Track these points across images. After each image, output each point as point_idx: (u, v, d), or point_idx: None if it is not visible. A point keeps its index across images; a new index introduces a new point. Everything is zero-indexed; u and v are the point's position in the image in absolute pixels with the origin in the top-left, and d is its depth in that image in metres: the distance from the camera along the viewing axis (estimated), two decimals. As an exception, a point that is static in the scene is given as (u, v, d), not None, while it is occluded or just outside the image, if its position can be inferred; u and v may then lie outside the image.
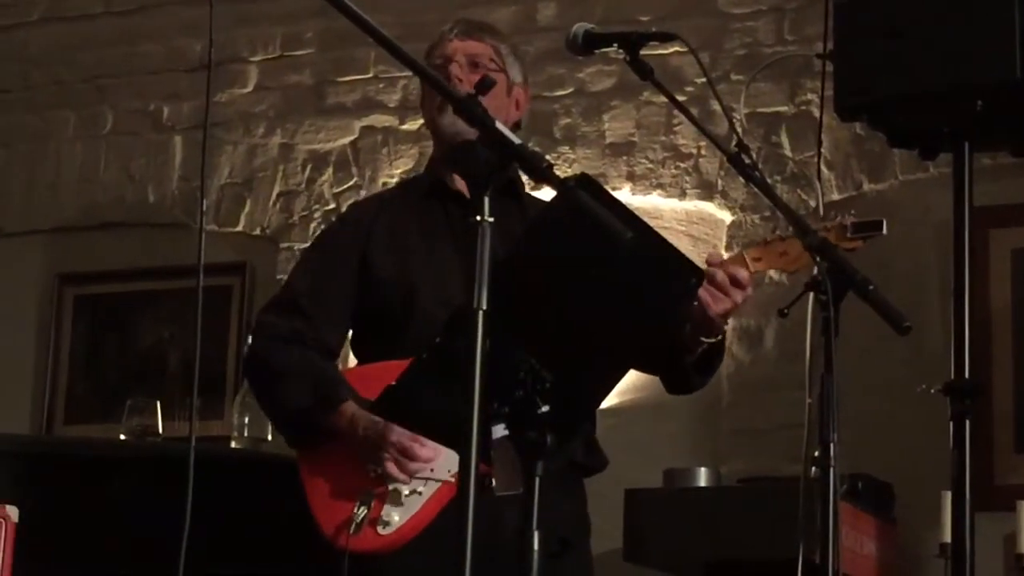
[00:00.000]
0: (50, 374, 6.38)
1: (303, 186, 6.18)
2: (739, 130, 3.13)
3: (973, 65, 3.33)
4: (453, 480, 3.02)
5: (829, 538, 2.73)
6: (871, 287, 2.76)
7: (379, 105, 6.13)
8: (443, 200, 3.31)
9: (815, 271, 2.79)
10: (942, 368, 3.44)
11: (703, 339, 3.10)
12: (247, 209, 6.25)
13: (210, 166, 6.17)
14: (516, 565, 2.21)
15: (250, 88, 6.33)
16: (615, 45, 2.96)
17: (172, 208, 6.34)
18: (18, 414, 6.28)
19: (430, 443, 3.01)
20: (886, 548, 4.78)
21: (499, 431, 2.28)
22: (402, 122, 6.04)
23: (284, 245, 6.09)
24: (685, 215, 5.63)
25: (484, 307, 2.07)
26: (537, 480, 2.25)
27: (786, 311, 2.86)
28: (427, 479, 3.08)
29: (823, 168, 5.33)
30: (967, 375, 3.40)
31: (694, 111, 3.40)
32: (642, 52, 2.93)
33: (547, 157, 2.16)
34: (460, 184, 3.25)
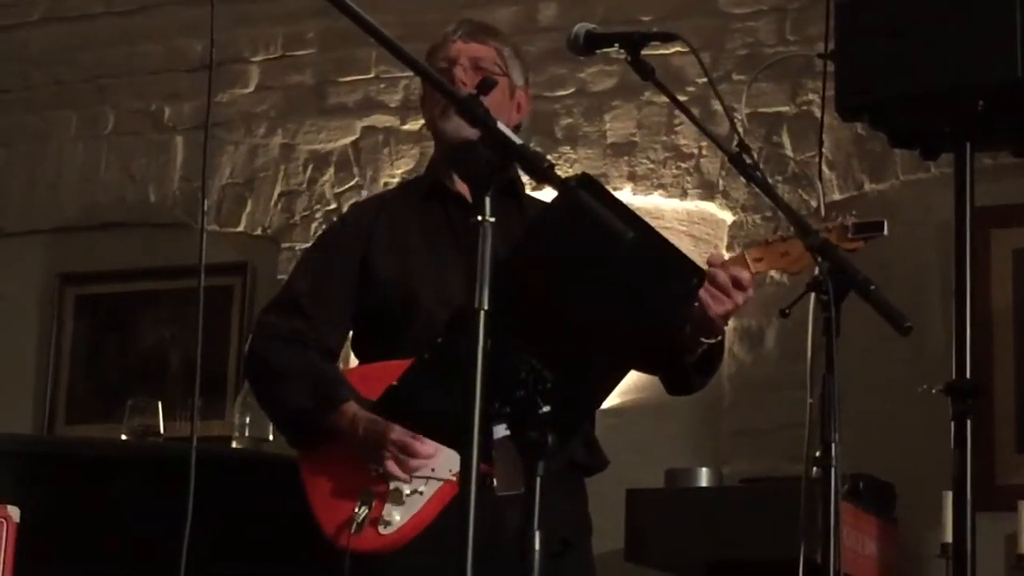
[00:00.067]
0: (51, 374, 6.38)
1: (304, 186, 6.18)
2: (740, 130, 3.13)
3: (974, 65, 3.33)
4: (454, 479, 3.02)
5: (830, 538, 2.73)
6: (872, 287, 2.76)
7: (380, 105, 6.13)
8: (444, 201, 3.31)
9: (816, 271, 2.79)
10: (943, 368, 3.44)
11: (703, 339, 3.10)
12: (248, 209, 6.25)
13: (211, 166, 6.17)
14: (517, 565, 2.21)
15: (251, 88, 6.34)
16: (616, 45, 2.96)
17: (173, 208, 6.34)
18: (20, 414, 6.28)
19: (431, 441, 3.01)
20: (887, 548, 4.78)
21: (500, 431, 2.28)
22: (403, 122, 6.04)
23: (285, 245, 6.09)
24: (686, 215, 5.63)
25: (485, 307, 2.07)
26: (538, 480, 2.25)
27: (787, 311, 2.86)
28: (428, 478, 3.08)
29: (824, 168, 5.33)
30: (968, 375, 3.40)
31: (695, 111, 3.40)
32: (643, 52, 2.93)
33: (548, 157, 2.16)
34: (461, 185, 3.25)
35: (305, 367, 3.22)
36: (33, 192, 6.57)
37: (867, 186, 5.43)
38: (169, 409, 4.49)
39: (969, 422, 3.35)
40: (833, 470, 2.73)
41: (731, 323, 5.20)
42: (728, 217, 5.56)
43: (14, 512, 3.09)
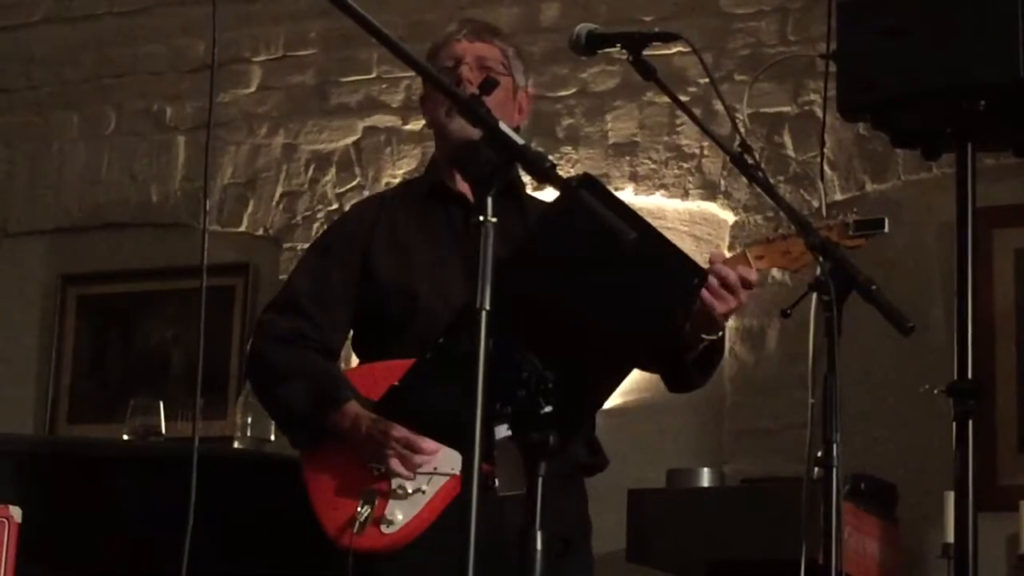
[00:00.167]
0: (53, 374, 6.38)
1: (306, 186, 6.19)
2: (742, 130, 3.13)
3: (976, 65, 3.33)
4: (458, 475, 3.02)
5: (832, 538, 2.73)
6: (874, 287, 2.76)
7: (382, 105, 6.14)
8: (445, 201, 3.31)
9: (818, 271, 2.79)
10: (945, 368, 3.43)
11: (704, 336, 3.11)
12: (250, 209, 6.25)
13: (213, 166, 6.17)
14: (518, 565, 2.21)
15: (253, 88, 6.34)
16: (618, 45, 2.96)
17: (175, 208, 6.35)
18: (22, 414, 6.28)
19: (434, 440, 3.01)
20: (889, 548, 4.78)
21: (502, 431, 2.28)
22: (405, 122, 6.05)
23: (287, 245, 6.09)
24: (688, 215, 5.63)
25: (487, 307, 2.07)
26: (540, 480, 2.25)
27: (789, 311, 2.86)
28: (431, 475, 3.08)
29: (826, 168, 5.33)
30: (970, 375, 3.39)
31: (697, 111, 3.40)
32: (645, 52, 2.93)
33: (550, 157, 2.16)
34: (462, 185, 3.26)
35: (306, 367, 3.22)
36: (35, 192, 6.58)
37: (869, 186, 5.43)
38: (171, 409, 4.49)
39: (971, 422, 3.35)
40: (835, 470, 2.73)
41: (733, 323, 5.23)
42: (730, 217, 5.57)
43: (16, 512, 3.09)
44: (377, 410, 2.63)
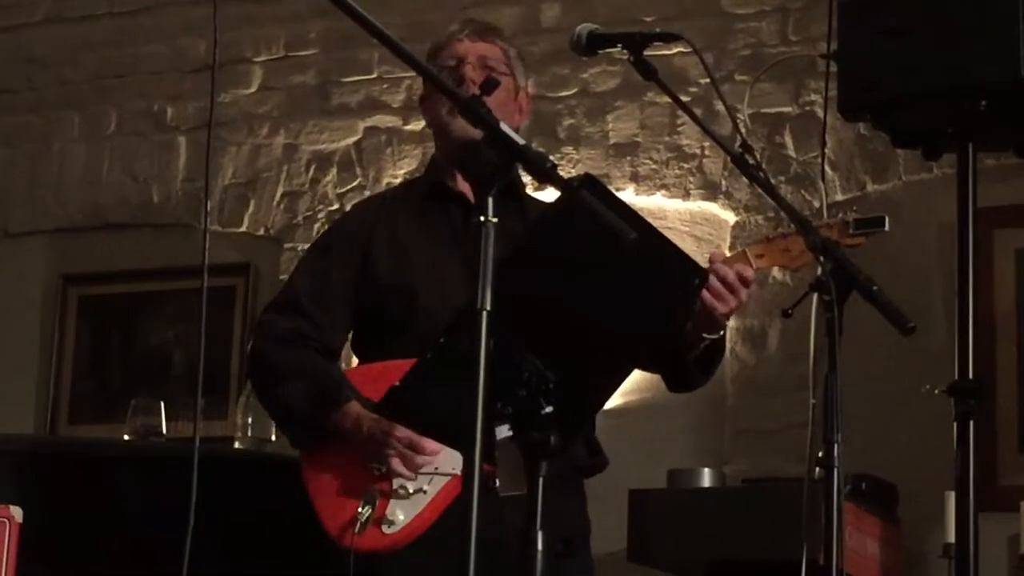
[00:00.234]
0: (54, 374, 6.38)
1: (307, 186, 6.19)
2: (743, 130, 3.13)
3: (977, 65, 3.33)
4: (459, 475, 3.02)
5: (833, 538, 2.73)
6: (875, 287, 2.76)
7: (383, 106, 6.14)
8: (445, 201, 3.31)
9: (819, 271, 2.79)
10: (946, 368, 3.43)
11: (705, 336, 3.11)
12: (251, 210, 6.25)
13: (214, 166, 6.17)
14: (518, 565, 2.21)
15: (254, 88, 6.34)
16: (619, 45, 2.96)
17: (176, 209, 6.35)
18: (22, 414, 6.29)
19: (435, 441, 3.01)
20: (890, 548, 4.78)
21: (503, 431, 2.28)
22: (406, 122, 6.05)
23: (288, 245, 6.09)
24: (689, 216, 5.63)
25: (488, 307, 2.07)
26: (541, 480, 2.25)
27: (790, 312, 2.87)
28: (432, 475, 3.08)
29: (827, 168, 5.34)
30: (971, 375, 3.40)
31: (698, 111, 3.40)
32: (646, 52, 2.93)
33: (551, 158, 2.16)
34: (462, 185, 3.26)
35: (307, 367, 3.22)
36: (36, 192, 6.58)
37: (870, 186, 5.43)
38: (172, 409, 4.49)
39: (972, 422, 3.35)
40: (835, 470, 2.73)
41: (733, 324, 5.23)
42: (731, 217, 5.56)
43: (17, 512, 3.09)
44: (378, 410, 2.63)
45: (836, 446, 2.73)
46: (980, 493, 3.38)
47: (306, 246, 5.62)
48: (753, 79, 5.35)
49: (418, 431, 2.85)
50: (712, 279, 3.00)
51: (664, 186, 5.67)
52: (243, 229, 6.24)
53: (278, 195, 6.22)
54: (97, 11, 6.62)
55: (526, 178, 3.26)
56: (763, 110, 5.51)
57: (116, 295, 6.44)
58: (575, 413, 2.34)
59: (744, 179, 3.22)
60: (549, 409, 2.26)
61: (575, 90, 5.85)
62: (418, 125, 5.87)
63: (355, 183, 6.10)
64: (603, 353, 2.35)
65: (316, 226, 6.02)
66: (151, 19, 6.53)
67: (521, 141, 2.15)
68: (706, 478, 4.88)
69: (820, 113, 4.63)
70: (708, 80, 5.12)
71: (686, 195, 5.64)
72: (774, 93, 5.53)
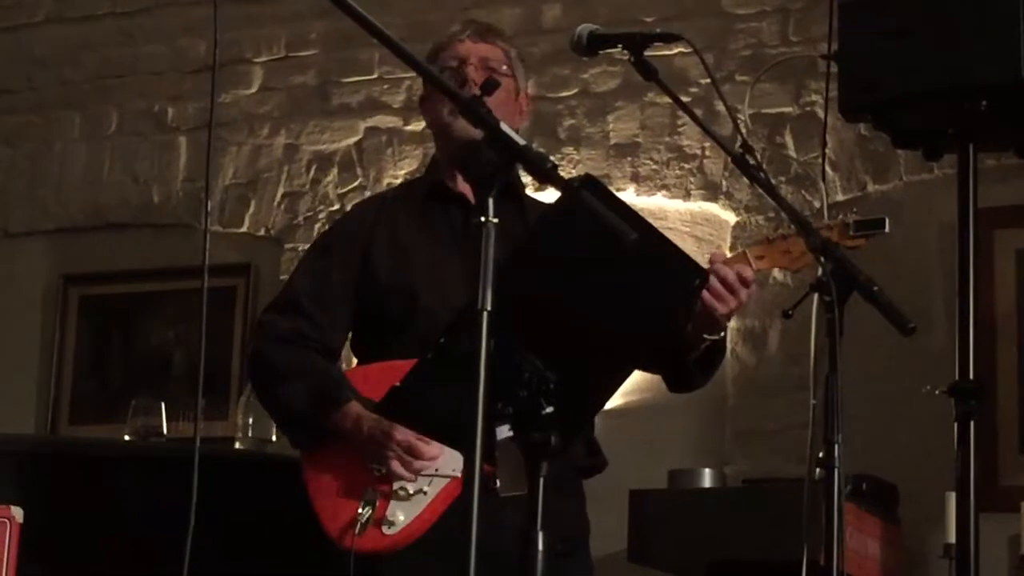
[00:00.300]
0: (55, 374, 6.38)
1: (307, 187, 6.19)
2: (743, 131, 3.13)
3: (978, 65, 3.33)
4: (459, 476, 3.02)
5: (833, 539, 2.73)
6: (875, 288, 2.76)
7: (384, 106, 6.14)
8: (445, 201, 3.31)
9: (819, 272, 2.79)
10: (947, 369, 3.43)
11: (706, 337, 3.11)
12: (251, 210, 6.25)
13: (214, 167, 6.17)
14: (518, 566, 2.21)
15: (254, 89, 6.34)
16: (620, 46, 2.96)
17: (176, 209, 6.35)
18: (23, 414, 6.29)
19: (434, 441, 3.01)
20: (890, 549, 4.78)
21: (503, 432, 2.28)
22: (407, 123, 6.05)
23: (288, 246, 6.09)
24: (689, 216, 5.63)
25: (488, 308, 2.07)
26: (541, 480, 2.25)
27: (791, 312, 2.87)
28: (432, 477, 3.08)
29: (827, 169, 5.34)
30: (971, 376, 3.40)
31: (698, 112, 3.40)
32: (647, 53, 2.93)
33: (552, 158, 2.16)
34: (462, 185, 3.26)
35: (308, 367, 3.22)
36: (36, 193, 6.58)
37: (870, 187, 5.43)
38: (172, 410, 4.49)
39: (972, 423, 3.35)
40: (836, 471, 2.73)
41: (734, 324, 5.23)
42: (731, 218, 5.56)
43: (17, 512, 3.08)
44: (378, 411, 2.63)
45: (837, 446, 2.73)
46: (981, 493, 3.38)
47: (307, 246, 5.63)
48: (754, 79, 5.35)
49: (419, 431, 2.85)
50: (712, 280, 3.00)
51: (665, 186, 5.67)
52: (244, 229, 6.24)
53: (279, 195, 6.22)
54: (98, 11, 6.62)
55: (526, 178, 3.26)
56: (764, 110, 5.51)
57: (117, 295, 6.44)
58: (576, 413, 2.34)
59: (745, 179, 3.22)
60: (550, 409, 2.26)
61: (576, 90, 5.85)
62: (419, 125, 5.86)
63: (356, 183, 6.10)
64: (603, 353, 2.35)
65: (317, 226, 6.01)
66: (152, 19, 6.53)
67: (522, 141, 2.15)
68: (707, 478, 4.88)
69: (821, 113, 4.63)
70: (709, 80, 5.12)
71: (687, 195, 5.64)
72: (775, 93, 5.53)
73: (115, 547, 3.77)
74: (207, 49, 6.32)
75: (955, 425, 3.37)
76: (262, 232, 6.23)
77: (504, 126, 2.15)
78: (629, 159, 5.74)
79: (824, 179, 4.97)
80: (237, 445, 4.58)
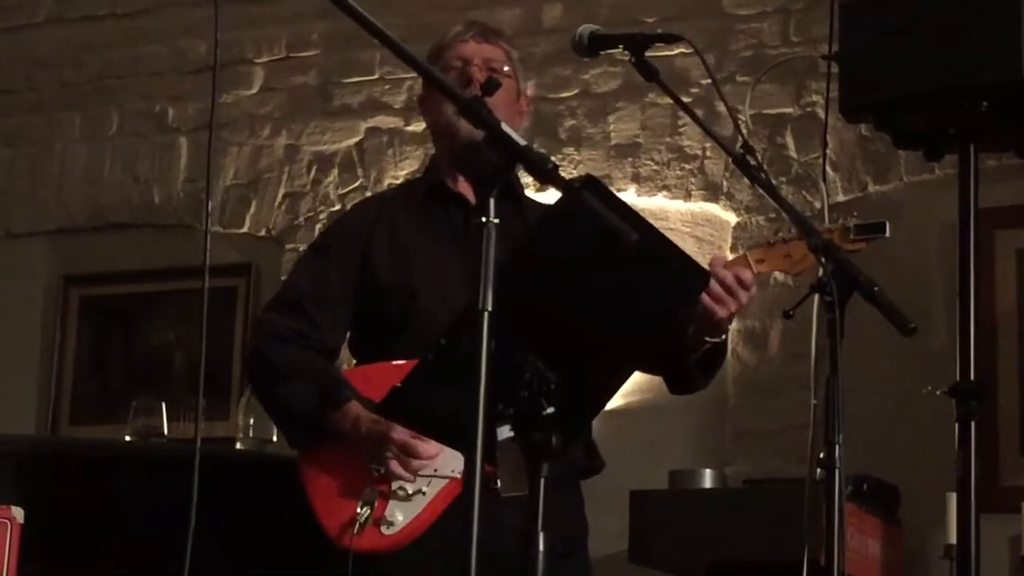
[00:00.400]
0: (55, 375, 6.39)
1: (308, 187, 6.19)
2: (744, 131, 3.13)
3: (978, 66, 3.33)
4: (458, 477, 3.03)
5: (834, 539, 2.73)
6: (876, 289, 2.76)
7: (385, 106, 6.14)
8: (444, 201, 3.32)
9: (820, 273, 2.79)
10: (947, 369, 3.43)
11: (707, 339, 3.11)
12: (252, 210, 6.25)
13: (215, 167, 6.17)
14: (518, 567, 2.21)
15: (255, 89, 6.34)
16: (620, 46, 2.96)
17: (177, 209, 6.35)
18: (23, 415, 6.29)
19: (433, 441, 3.01)
20: (891, 549, 4.78)
21: (504, 432, 2.28)
22: (407, 123, 6.05)
23: (289, 246, 6.09)
24: (690, 216, 5.63)
25: (489, 308, 2.07)
26: (542, 481, 2.25)
27: (791, 313, 2.87)
28: (431, 477, 3.08)
29: (828, 169, 5.33)
30: (972, 377, 3.40)
31: (699, 112, 3.40)
32: (647, 53, 2.93)
33: (552, 159, 2.16)
34: (462, 185, 3.26)
35: (307, 366, 3.22)
36: (37, 193, 6.58)
37: (871, 187, 5.43)
38: (173, 410, 4.49)
39: (973, 424, 3.35)
40: (837, 471, 2.73)
41: (735, 324, 5.21)
42: (732, 218, 5.56)
43: (18, 513, 3.09)
44: (379, 411, 2.63)
45: (837, 447, 2.73)
46: (981, 494, 3.38)
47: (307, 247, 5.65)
48: (754, 80, 5.35)
49: (419, 432, 2.85)
50: (712, 283, 3.00)
51: (665, 187, 5.67)
52: (244, 230, 6.24)
53: (279, 196, 6.22)
54: (98, 12, 6.62)
55: (526, 179, 3.26)
56: (764, 111, 5.51)
57: (117, 296, 6.44)
58: (576, 414, 2.34)
59: (745, 180, 3.22)
60: (550, 410, 2.26)
61: (576, 91, 5.85)
62: (419, 126, 5.86)
63: (356, 184, 6.10)
64: (604, 353, 2.35)
65: (317, 227, 6.01)
66: (152, 20, 6.53)
67: (522, 142, 2.15)
68: (707, 479, 4.88)
69: (821, 114, 4.63)
70: (709, 81, 5.12)
71: (687, 196, 5.64)
72: (775, 94, 5.52)
73: (116, 547, 3.77)
74: (208, 50, 6.32)
75: (956, 426, 3.37)
76: (263, 233, 6.23)
77: (505, 126, 2.15)
78: (630, 160, 5.74)
79: (825, 180, 4.97)
80: (238, 445, 4.58)
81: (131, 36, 6.55)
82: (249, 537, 3.81)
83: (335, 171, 6.15)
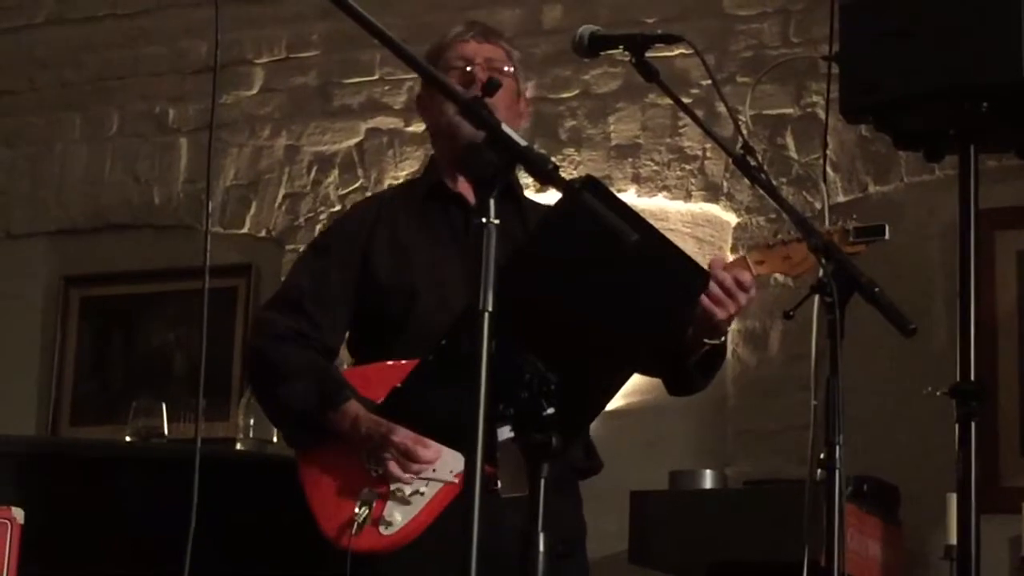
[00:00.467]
0: (56, 376, 6.39)
1: (308, 188, 6.19)
2: (744, 132, 3.12)
3: (979, 66, 3.33)
4: (456, 480, 3.03)
5: (834, 540, 2.73)
6: (876, 289, 2.76)
7: (385, 107, 6.14)
8: (444, 201, 3.31)
9: (820, 273, 2.79)
10: (948, 370, 3.43)
11: (706, 341, 3.11)
12: (252, 211, 6.25)
13: (215, 168, 6.17)
14: (518, 567, 2.21)
15: (256, 90, 6.34)
16: (621, 47, 2.96)
17: (177, 210, 6.35)
18: (24, 415, 6.29)
19: (433, 445, 3.02)
20: (891, 550, 4.78)
21: (504, 433, 2.28)
22: (407, 124, 6.05)
23: (290, 247, 6.09)
24: (691, 217, 5.63)
25: (489, 309, 2.07)
26: (542, 482, 2.25)
27: (791, 313, 2.87)
28: (429, 479, 3.08)
29: (829, 170, 5.34)
30: (972, 377, 3.40)
31: (700, 113, 3.40)
32: (648, 54, 2.93)
33: (553, 159, 2.16)
34: (461, 186, 3.26)
35: (307, 365, 3.22)
36: (37, 194, 6.58)
37: (871, 188, 5.43)
38: (173, 411, 4.49)
39: (973, 424, 3.35)
40: (837, 472, 2.73)
41: (735, 325, 5.22)
42: (732, 219, 5.56)
43: (18, 513, 3.09)
44: (379, 411, 2.63)
45: (837, 448, 2.72)
46: (982, 495, 3.38)
47: (308, 248, 5.64)
48: (755, 81, 5.35)
49: (420, 432, 2.85)
50: (711, 285, 3.00)
51: (666, 188, 5.67)
52: (245, 230, 6.24)
53: (280, 196, 6.22)
54: (99, 13, 6.62)
55: (526, 180, 3.26)
56: (765, 112, 5.51)
57: (118, 296, 6.44)
58: (577, 415, 2.34)
59: (746, 181, 3.22)
60: (551, 411, 2.26)
61: (577, 91, 5.85)
62: (420, 127, 5.86)
63: (357, 184, 6.10)
64: (604, 354, 2.35)
65: (318, 227, 6.01)
66: (152, 21, 6.53)
67: (523, 142, 2.15)
68: (707, 479, 4.88)
69: (822, 115, 4.63)
70: (710, 82, 5.12)
71: (688, 197, 5.64)
72: (776, 95, 5.53)
73: (116, 548, 3.77)
74: (208, 50, 6.32)
75: (956, 426, 3.37)
76: (263, 233, 6.23)
77: (505, 127, 2.15)
78: (630, 160, 5.74)
79: (825, 180, 4.97)
80: (238, 446, 4.58)
81: (131, 37, 6.56)
82: (249, 538, 3.81)
83: (335, 172, 6.15)
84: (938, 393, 3.41)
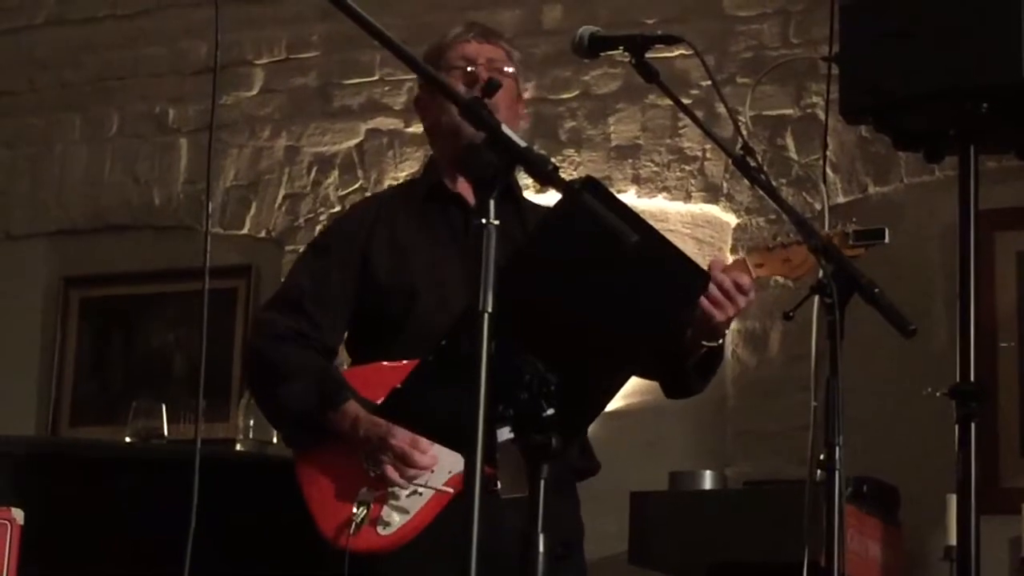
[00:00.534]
0: (56, 376, 6.39)
1: (308, 189, 6.19)
2: (744, 133, 3.13)
3: (979, 67, 3.33)
4: (451, 491, 3.03)
5: (834, 541, 2.73)
6: (876, 290, 2.76)
7: (385, 108, 6.14)
8: (443, 202, 3.31)
9: (820, 274, 2.79)
10: (947, 371, 3.43)
11: (704, 343, 3.11)
12: (252, 212, 6.25)
13: (215, 169, 6.17)
14: (517, 568, 2.21)
15: (255, 91, 6.34)
16: (621, 48, 2.96)
17: (177, 211, 6.35)
18: (24, 416, 6.29)
19: (430, 451, 3.02)
20: (891, 551, 4.78)
21: (504, 434, 2.28)
22: (407, 125, 6.05)
23: (289, 248, 6.09)
24: (690, 218, 5.63)
25: (489, 309, 2.07)
26: (542, 483, 2.25)
27: (791, 314, 2.87)
28: (428, 479, 3.08)
29: (828, 171, 5.34)
30: (972, 378, 3.40)
31: (699, 114, 3.40)
32: (648, 55, 2.93)
33: (553, 160, 2.16)
34: (461, 186, 3.26)
35: (307, 366, 3.21)
36: (37, 194, 6.58)
37: (871, 189, 5.43)
38: (173, 412, 4.49)
39: (973, 425, 3.35)
40: (837, 473, 2.73)
41: (735, 326, 5.22)
42: (732, 220, 5.56)
43: (18, 514, 3.09)
44: (379, 412, 2.63)
45: (837, 448, 2.73)
46: (981, 495, 3.38)
47: (308, 248, 5.64)
48: (754, 81, 5.35)
49: (419, 433, 2.85)
50: (710, 287, 3.00)
51: (665, 188, 5.67)
52: (244, 231, 6.24)
53: (279, 197, 6.22)
54: (99, 13, 6.62)
55: (525, 180, 3.26)
56: (764, 112, 5.51)
57: (117, 297, 6.44)
58: (576, 415, 2.34)
59: (746, 181, 3.22)
60: (550, 411, 2.26)
61: (576, 92, 5.85)
62: (419, 127, 5.81)
63: (357, 185, 6.10)
64: (604, 355, 2.35)
65: (318, 228, 6.01)
66: (152, 21, 6.53)
67: (523, 143, 2.15)
68: (707, 480, 4.87)
69: (822, 115, 4.63)
70: (709, 82, 5.12)
71: (687, 197, 5.64)
72: (775, 95, 5.53)
73: (115, 549, 3.77)
74: (208, 51, 6.32)
75: (956, 427, 3.37)
76: (263, 234, 6.23)
77: (505, 128, 2.15)
78: (630, 161, 5.74)
79: (825, 181, 4.97)
80: (238, 447, 4.58)
81: (131, 37, 6.56)
82: (249, 538, 3.81)
83: (335, 172, 6.15)
84: (938, 394, 3.41)
